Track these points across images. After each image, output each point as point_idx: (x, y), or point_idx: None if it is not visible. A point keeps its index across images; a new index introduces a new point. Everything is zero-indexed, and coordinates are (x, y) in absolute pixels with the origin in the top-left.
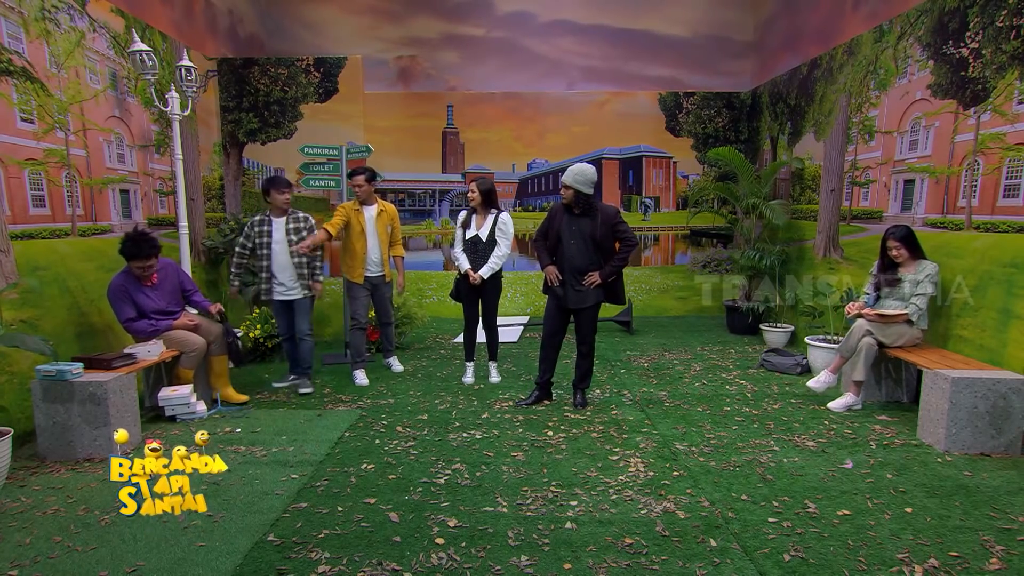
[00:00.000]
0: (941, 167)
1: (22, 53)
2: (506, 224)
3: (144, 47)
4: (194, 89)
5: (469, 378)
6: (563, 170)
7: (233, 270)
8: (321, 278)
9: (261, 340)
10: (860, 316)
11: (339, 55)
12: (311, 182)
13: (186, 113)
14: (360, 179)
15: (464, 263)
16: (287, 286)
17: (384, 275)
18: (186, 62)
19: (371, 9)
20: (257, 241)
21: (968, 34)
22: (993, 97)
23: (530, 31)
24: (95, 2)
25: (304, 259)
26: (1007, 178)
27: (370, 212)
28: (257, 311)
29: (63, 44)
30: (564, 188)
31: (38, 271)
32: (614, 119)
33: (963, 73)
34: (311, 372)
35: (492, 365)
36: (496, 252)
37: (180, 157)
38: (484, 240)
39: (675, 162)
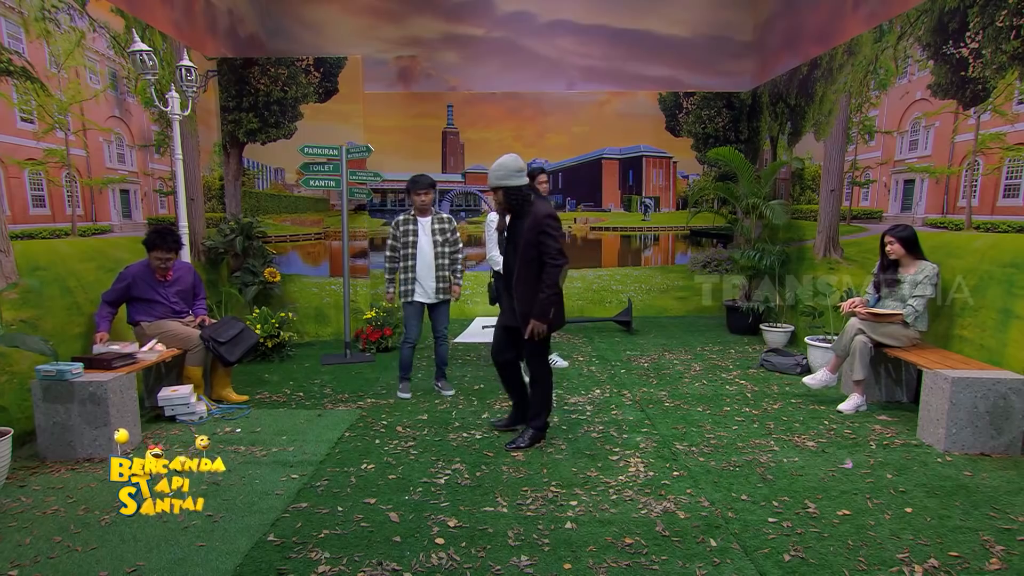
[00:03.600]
0: (941, 167)
1: (22, 53)
2: None
3: (144, 47)
4: (194, 89)
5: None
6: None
7: (387, 276)
8: (460, 281)
9: (261, 340)
10: (853, 314)
11: (339, 55)
12: (311, 182)
13: (186, 113)
14: (545, 176)
15: None
16: (427, 289)
17: None
18: (186, 62)
19: (371, 9)
20: (403, 240)
21: (968, 34)
22: (993, 97)
23: (530, 31)
24: (95, 2)
25: (447, 262)
26: (1007, 178)
27: None
28: (257, 311)
29: (63, 44)
30: (493, 192)
31: (38, 271)
32: (614, 119)
33: (963, 73)
34: (446, 372)
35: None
36: None
37: (180, 157)
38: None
39: (675, 162)
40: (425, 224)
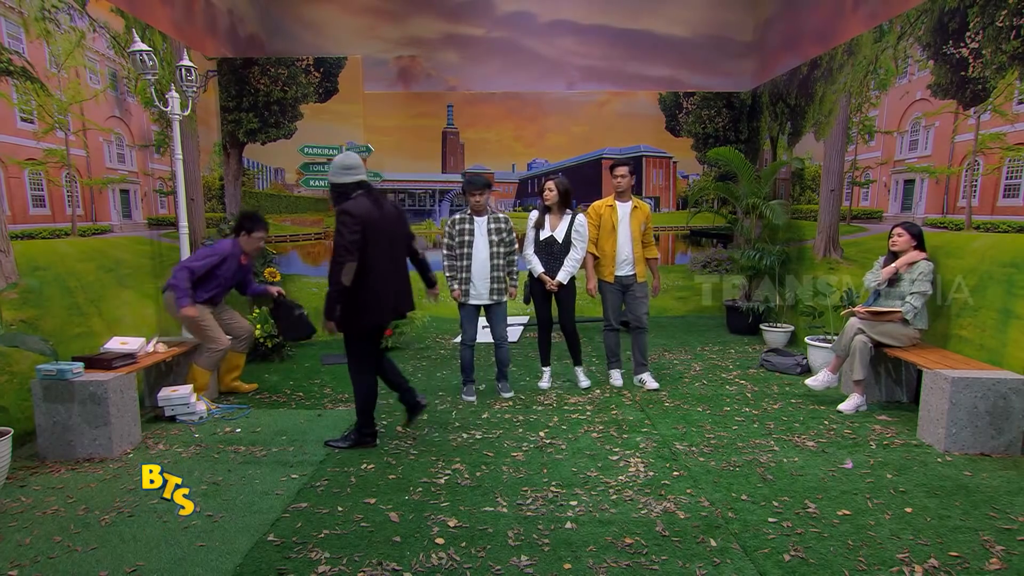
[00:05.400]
0: (941, 167)
1: (22, 53)
2: (583, 226)
3: (144, 47)
4: (194, 89)
5: (546, 383)
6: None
7: (448, 273)
8: (516, 282)
9: (261, 340)
10: (853, 314)
11: (339, 55)
12: (311, 182)
13: (186, 113)
14: (625, 170)
15: (538, 266)
16: (480, 291)
17: (636, 275)
18: (186, 62)
19: (371, 9)
20: (458, 240)
21: (968, 34)
22: (993, 97)
23: (530, 31)
24: (95, 2)
25: (503, 263)
26: (1007, 178)
27: (624, 209)
28: (257, 311)
29: (63, 44)
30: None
31: (38, 271)
32: (614, 119)
33: (963, 73)
34: (508, 374)
35: (579, 370)
36: (572, 255)
37: (180, 157)
38: (560, 242)
39: (675, 162)
40: (481, 224)
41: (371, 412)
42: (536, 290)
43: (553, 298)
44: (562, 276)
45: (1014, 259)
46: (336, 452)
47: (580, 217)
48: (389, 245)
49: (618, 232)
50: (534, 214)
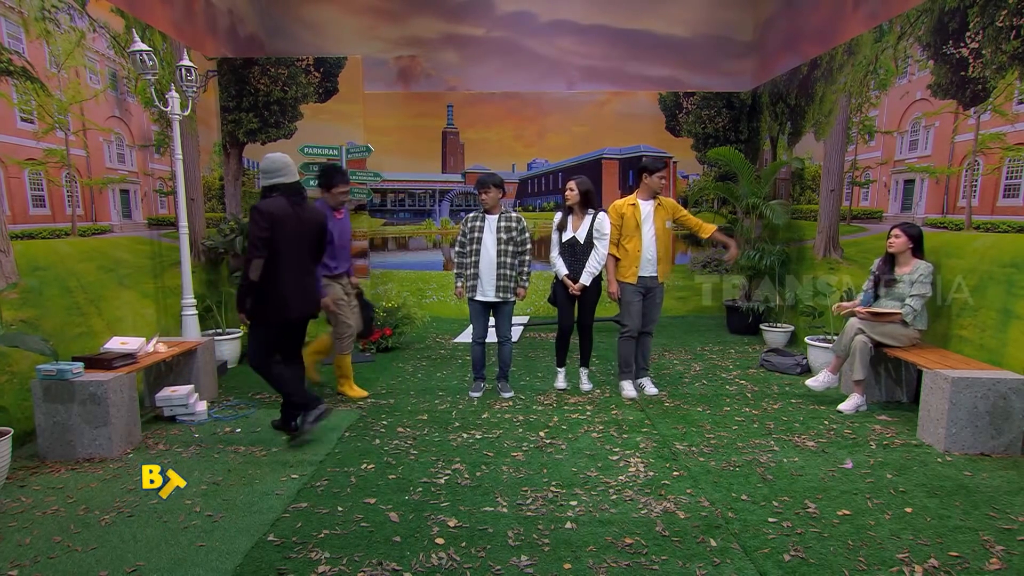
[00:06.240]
0: (941, 167)
1: (22, 53)
2: (603, 224)
3: (144, 47)
4: (194, 89)
5: (561, 383)
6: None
7: (456, 271)
8: (527, 283)
9: None
10: (853, 314)
11: (339, 55)
12: (311, 182)
13: (186, 113)
14: (663, 172)
15: (562, 268)
16: (486, 288)
17: (659, 276)
18: (186, 62)
19: (371, 9)
20: (469, 237)
21: (968, 34)
22: (993, 97)
23: (530, 31)
24: (95, 2)
25: (510, 261)
26: (1007, 178)
27: (648, 207)
28: None
29: (63, 44)
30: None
31: (38, 271)
32: (614, 119)
33: (963, 73)
34: (508, 374)
35: (584, 372)
36: (594, 255)
37: (180, 157)
38: (582, 243)
39: (675, 162)
40: (492, 222)
41: (299, 387)
42: (560, 292)
43: (577, 299)
44: (584, 278)
45: (1014, 259)
46: (336, 452)
47: (601, 215)
48: (299, 246)
49: (643, 230)
50: (558, 215)
